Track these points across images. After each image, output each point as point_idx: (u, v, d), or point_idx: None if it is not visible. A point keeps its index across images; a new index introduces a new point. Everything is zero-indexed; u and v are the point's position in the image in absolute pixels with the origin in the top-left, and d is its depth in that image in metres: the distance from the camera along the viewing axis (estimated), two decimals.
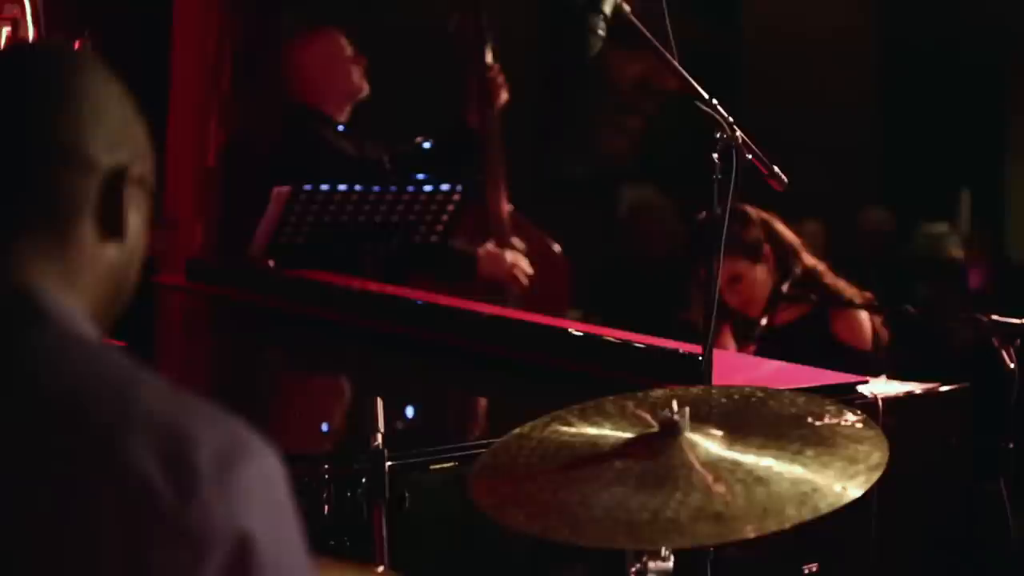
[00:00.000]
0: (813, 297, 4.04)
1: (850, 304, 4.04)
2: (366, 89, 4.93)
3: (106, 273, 1.39)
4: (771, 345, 4.02)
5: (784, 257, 4.17)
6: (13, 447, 1.23)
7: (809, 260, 4.21)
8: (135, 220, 1.40)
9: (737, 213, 4.08)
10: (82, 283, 1.36)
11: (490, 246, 4.90)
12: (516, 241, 5.03)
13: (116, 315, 1.43)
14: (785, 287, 4.00)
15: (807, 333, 4.12)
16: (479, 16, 5.02)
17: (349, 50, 4.92)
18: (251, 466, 1.26)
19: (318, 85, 4.86)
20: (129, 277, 1.42)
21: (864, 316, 4.14)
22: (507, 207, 5.03)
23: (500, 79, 5.01)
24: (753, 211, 4.17)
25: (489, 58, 5.01)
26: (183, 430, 1.25)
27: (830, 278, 4.17)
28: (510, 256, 4.90)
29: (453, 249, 4.67)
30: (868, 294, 4.15)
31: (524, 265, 4.90)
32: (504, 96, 5.02)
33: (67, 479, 1.22)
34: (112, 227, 1.38)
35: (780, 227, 4.22)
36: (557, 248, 5.20)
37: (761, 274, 4.15)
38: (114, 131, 1.39)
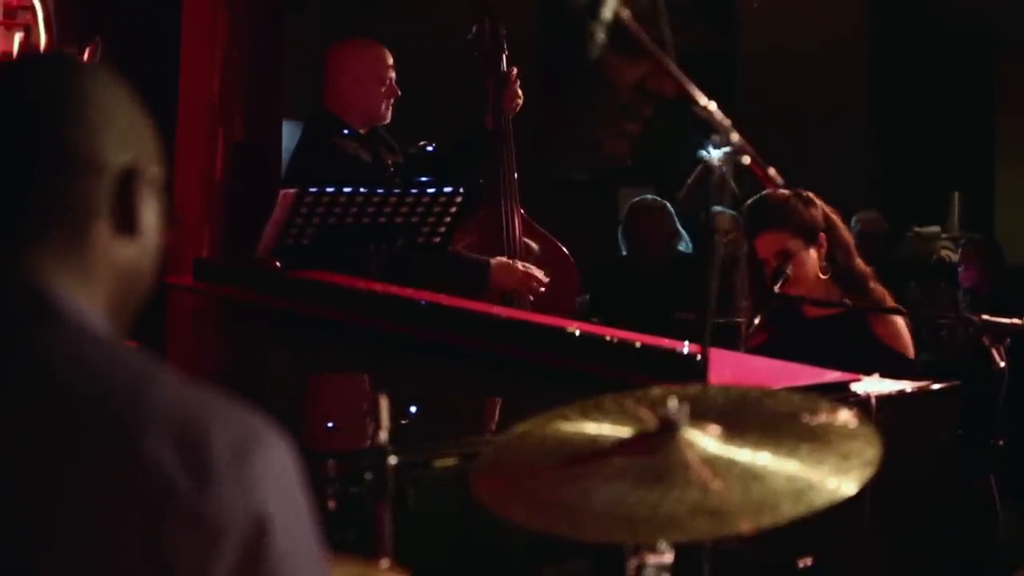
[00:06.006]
0: (804, 298, 4.01)
1: (862, 308, 3.98)
2: (387, 120, 4.91)
3: (121, 270, 1.41)
4: (807, 339, 3.93)
5: (834, 253, 4.04)
6: (31, 442, 1.26)
7: (860, 263, 4.09)
8: (148, 217, 1.42)
9: (802, 196, 4.04)
10: (98, 281, 1.39)
11: (502, 259, 4.88)
12: (529, 243, 5.04)
13: (133, 312, 1.45)
14: (777, 288, 3.93)
15: (845, 331, 3.98)
16: (496, 23, 5.02)
17: (391, 75, 4.88)
18: (265, 454, 1.30)
19: (345, 98, 4.85)
20: (145, 273, 1.44)
21: (901, 322, 4.04)
22: (519, 211, 5.03)
23: (516, 86, 5.02)
24: (819, 199, 4.06)
25: (505, 65, 5.03)
26: (198, 422, 1.28)
27: (873, 283, 4.07)
28: (521, 266, 4.88)
29: (463, 257, 4.67)
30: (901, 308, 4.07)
31: (539, 275, 4.89)
32: (519, 103, 5.02)
33: (84, 472, 1.25)
34: (126, 225, 1.40)
35: (839, 223, 4.12)
36: (567, 251, 5.19)
37: (811, 259, 4.00)
38: (122, 132, 1.40)
